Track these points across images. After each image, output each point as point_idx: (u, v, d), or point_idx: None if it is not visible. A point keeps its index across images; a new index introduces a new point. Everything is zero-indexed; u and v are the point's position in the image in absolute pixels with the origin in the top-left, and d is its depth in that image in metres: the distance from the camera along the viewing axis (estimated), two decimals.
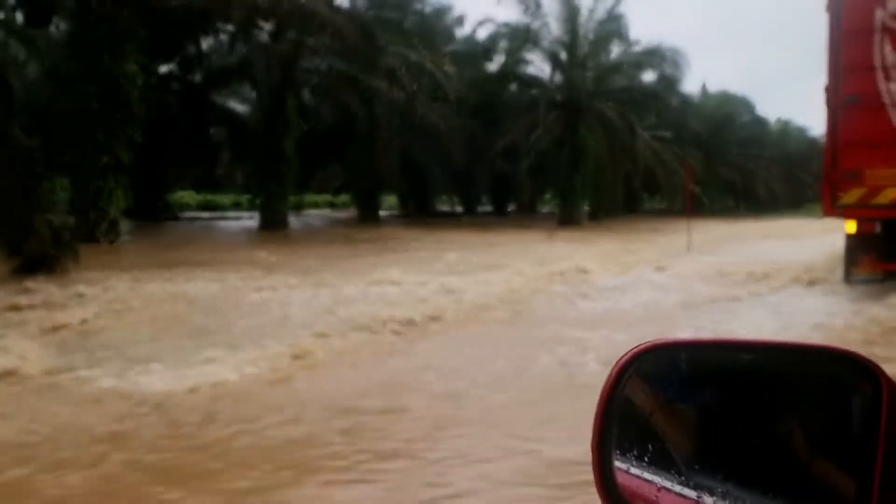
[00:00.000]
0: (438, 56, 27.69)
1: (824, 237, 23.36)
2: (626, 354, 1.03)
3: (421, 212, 40.76)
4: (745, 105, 57.03)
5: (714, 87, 59.97)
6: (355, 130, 28.09)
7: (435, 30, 33.28)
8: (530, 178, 37.12)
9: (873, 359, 0.95)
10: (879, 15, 9.96)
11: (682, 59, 34.91)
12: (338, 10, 20.59)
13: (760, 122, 61.88)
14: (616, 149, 33.03)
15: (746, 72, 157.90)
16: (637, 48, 34.50)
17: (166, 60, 27.98)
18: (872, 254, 10.37)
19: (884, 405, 0.93)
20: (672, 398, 1.07)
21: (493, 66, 35.16)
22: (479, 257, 17.60)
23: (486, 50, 33.55)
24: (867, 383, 0.95)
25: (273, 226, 25.72)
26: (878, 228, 10.30)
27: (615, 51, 34.80)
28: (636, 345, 1.04)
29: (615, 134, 32.61)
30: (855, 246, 10.56)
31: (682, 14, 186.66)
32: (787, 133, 73.82)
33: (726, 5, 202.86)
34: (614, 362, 1.02)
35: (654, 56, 33.43)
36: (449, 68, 28.09)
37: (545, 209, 50.33)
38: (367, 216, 33.88)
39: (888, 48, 9.94)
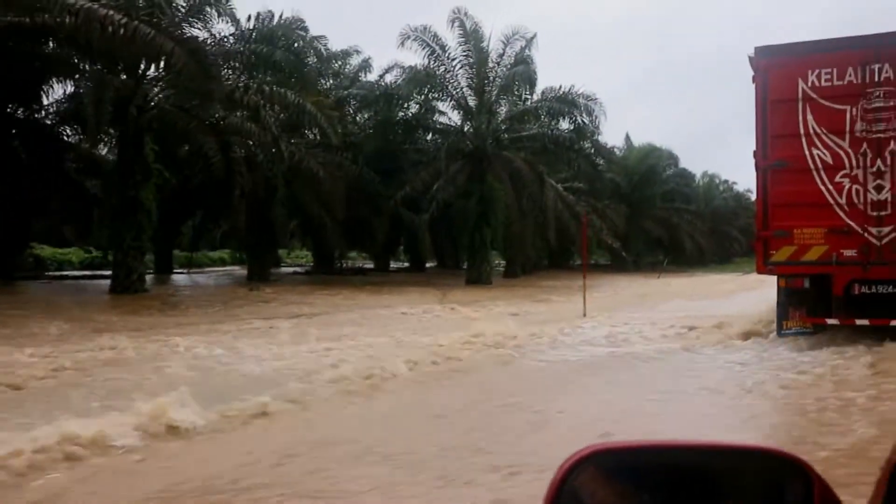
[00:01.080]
0: (317, 96, 24.35)
1: (747, 294, 20.56)
2: (567, 460, 1.05)
3: (324, 268, 37.22)
4: (669, 157, 54.95)
5: (643, 140, 58.28)
6: (213, 178, 24.45)
7: (324, 70, 30.14)
8: (441, 231, 33.80)
9: (803, 457, 1.04)
10: (802, 86, 10.49)
11: (596, 106, 32.20)
12: (170, 34, 17.11)
13: (685, 176, 59.98)
14: (525, 200, 29.92)
15: (676, 127, 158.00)
16: (550, 95, 31.78)
17: (19, 103, 24.23)
18: (802, 308, 10.68)
19: (816, 501, 1.00)
20: (612, 502, 1.09)
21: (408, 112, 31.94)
22: (322, 329, 14.13)
23: (391, 96, 30.36)
24: (799, 481, 1.03)
25: (126, 287, 21.84)
26: (806, 284, 10.57)
27: (527, 98, 31.97)
28: (576, 451, 1.07)
29: (523, 184, 29.60)
30: (786, 301, 10.84)
31: (614, 68, 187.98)
32: (712, 187, 72.35)
33: (656, 65, 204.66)
34: (556, 468, 1.04)
35: (564, 103, 30.71)
36: (332, 111, 24.81)
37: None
38: (256, 273, 30.24)
39: (810, 116, 10.44)
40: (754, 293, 19.72)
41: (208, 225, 32.86)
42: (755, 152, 10.85)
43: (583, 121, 31.27)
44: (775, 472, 1.03)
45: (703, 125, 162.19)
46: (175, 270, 36.46)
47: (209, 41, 21.55)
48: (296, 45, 23.59)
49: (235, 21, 23.67)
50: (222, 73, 20.97)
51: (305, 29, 26.07)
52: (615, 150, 55.02)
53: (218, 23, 23.14)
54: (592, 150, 32.48)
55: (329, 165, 26.07)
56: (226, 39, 22.95)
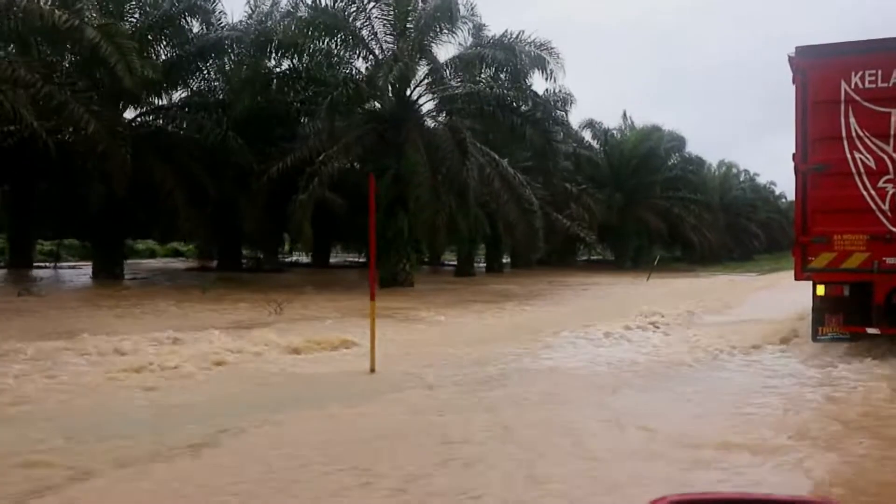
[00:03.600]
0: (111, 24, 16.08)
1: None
2: None
3: (231, 264, 29.12)
4: (672, 139, 45.80)
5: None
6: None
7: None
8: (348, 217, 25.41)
9: None
10: (844, 87, 9.88)
11: (552, 58, 23.56)
12: None
13: (694, 162, 50.65)
14: (441, 176, 21.32)
15: (712, 123, 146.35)
16: (486, 41, 23.24)
17: None
18: (839, 315, 10.00)
19: None
20: None
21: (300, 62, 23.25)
22: None
23: (268, 41, 21.91)
24: None
25: None
26: (846, 292, 9.93)
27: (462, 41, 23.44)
28: (654, 500, 1.06)
29: (441, 155, 21.08)
30: (822, 307, 10.07)
31: (635, 71, 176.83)
32: (729, 178, 62.95)
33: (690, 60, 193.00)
34: None
35: (503, 49, 22.20)
36: (129, 41, 16.56)
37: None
38: (102, 270, 22.25)
39: (853, 119, 9.86)
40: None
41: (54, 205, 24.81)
42: (794, 155, 10.14)
43: (525, 74, 22.70)
44: None
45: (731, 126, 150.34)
46: (39, 264, 28.72)
47: None
48: None
49: None
50: None
51: None
52: (613, 133, 46.51)
53: None
54: (543, 116, 23.68)
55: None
56: None
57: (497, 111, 22.79)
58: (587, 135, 44.70)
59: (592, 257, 52.42)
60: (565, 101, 29.82)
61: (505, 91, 23.09)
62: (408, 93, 22.85)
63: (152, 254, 41.82)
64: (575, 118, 44.11)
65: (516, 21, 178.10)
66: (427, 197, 20.66)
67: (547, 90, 29.28)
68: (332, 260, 40.41)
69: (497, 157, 23.58)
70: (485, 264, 37.59)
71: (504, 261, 44.74)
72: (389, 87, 22.52)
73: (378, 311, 14.38)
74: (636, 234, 44.76)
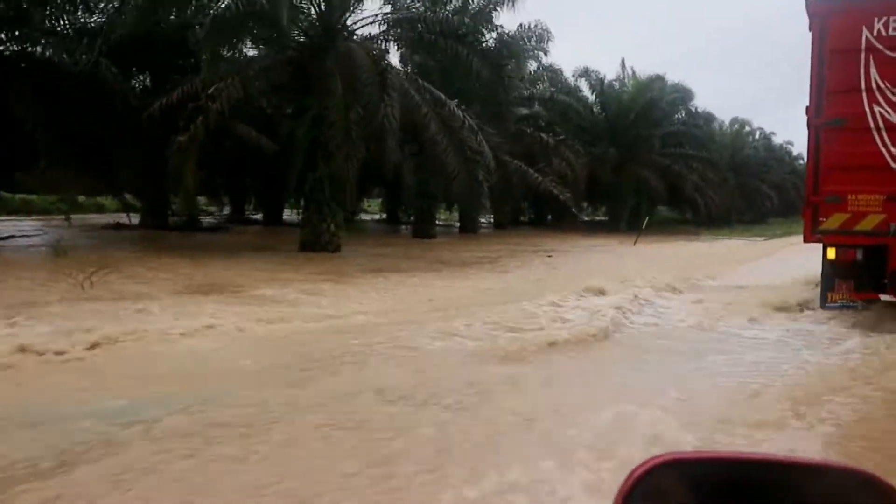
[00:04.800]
0: None
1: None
2: (638, 468, 1.00)
3: (156, 221, 25.07)
4: (676, 91, 40.86)
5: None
6: None
7: None
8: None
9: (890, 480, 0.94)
10: (866, 35, 9.05)
11: None
12: None
13: (701, 117, 45.66)
14: (355, 114, 16.88)
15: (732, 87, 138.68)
16: None
17: None
18: (850, 281, 9.36)
19: None
20: None
21: None
22: None
23: None
24: (877, 499, 0.94)
25: None
26: (859, 256, 9.19)
27: None
28: (648, 458, 1.00)
29: (357, 89, 16.69)
30: (833, 272, 9.43)
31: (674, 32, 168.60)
32: (741, 136, 57.87)
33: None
34: (627, 474, 1.00)
35: None
36: None
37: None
38: None
39: (874, 70, 9.05)
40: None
41: None
42: (808, 108, 9.37)
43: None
44: (855, 493, 0.95)
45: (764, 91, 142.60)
46: None
47: None
48: None
49: None
50: None
51: None
52: (613, 84, 41.62)
53: None
54: (497, 47, 19.18)
55: None
56: None
57: (439, 39, 18.38)
58: (584, 85, 40.10)
59: (592, 218, 48.14)
60: (541, 37, 25.36)
61: (451, 16, 18.65)
62: (333, 16, 18.45)
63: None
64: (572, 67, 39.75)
65: None
66: (339, 141, 16.39)
67: (521, 25, 24.91)
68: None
69: (444, 97, 19.20)
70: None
71: (483, 221, 40.85)
72: (313, 9, 18.22)
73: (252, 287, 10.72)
74: (635, 193, 40.17)
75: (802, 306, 10.04)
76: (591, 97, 40.40)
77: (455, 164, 17.86)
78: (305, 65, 18.45)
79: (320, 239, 18.80)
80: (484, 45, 18.55)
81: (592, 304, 10.17)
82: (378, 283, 12.79)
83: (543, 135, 26.67)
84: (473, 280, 13.98)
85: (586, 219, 49.86)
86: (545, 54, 27.21)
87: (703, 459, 1.08)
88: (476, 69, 18.26)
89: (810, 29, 9.44)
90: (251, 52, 19.59)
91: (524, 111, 25.51)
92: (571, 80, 38.60)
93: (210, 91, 16.21)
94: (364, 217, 45.12)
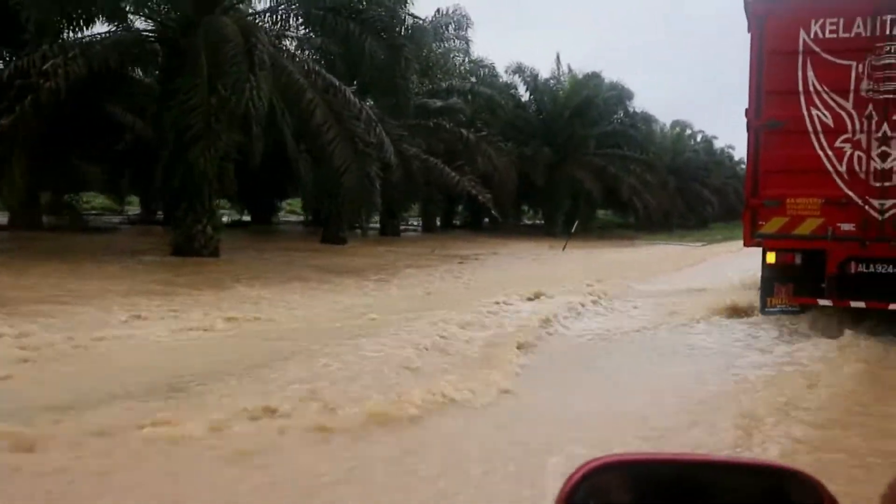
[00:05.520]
0: None
1: None
2: (577, 471, 1.00)
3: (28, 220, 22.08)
4: (612, 88, 38.92)
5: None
6: None
7: None
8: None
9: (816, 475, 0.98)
10: (803, 37, 8.92)
11: None
12: None
13: (639, 118, 43.81)
14: (222, 100, 14.22)
15: (680, 95, 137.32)
16: None
17: None
18: (789, 285, 9.20)
19: None
20: None
21: None
22: None
23: None
24: (811, 499, 0.97)
25: None
26: (798, 260, 9.13)
27: None
28: (585, 462, 1.00)
29: (222, 66, 14.08)
30: (772, 276, 9.28)
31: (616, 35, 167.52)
32: (683, 139, 56.44)
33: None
34: (566, 478, 0.98)
35: None
36: None
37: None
38: None
39: (811, 72, 8.93)
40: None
41: None
42: (747, 110, 9.22)
43: None
44: (785, 489, 0.98)
45: (705, 94, 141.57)
46: None
47: None
48: None
49: None
50: None
51: None
52: (548, 82, 39.50)
53: None
54: (392, 24, 16.78)
55: None
56: None
57: (328, 16, 15.92)
58: (518, 83, 37.95)
59: (534, 221, 46.01)
60: (460, 24, 23.08)
61: None
62: None
63: None
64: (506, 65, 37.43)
65: None
66: (200, 128, 13.81)
67: (438, 10, 22.64)
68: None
69: (337, 82, 16.72)
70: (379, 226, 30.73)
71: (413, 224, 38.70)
72: None
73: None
74: (570, 196, 38.13)
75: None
76: (526, 95, 38.38)
77: (344, 157, 15.37)
78: (179, 41, 15.90)
79: (194, 242, 16.22)
80: (376, 22, 15.96)
81: (466, 339, 7.80)
82: (206, 299, 10.24)
83: (464, 130, 24.27)
84: (345, 295, 11.56)
85: (528, 222, 47.91)
86: (467, 43, 24.88)
87: (641, 461, 1.08)
88: (370, 50, 15.81)
89: (749, 30, 9.21)
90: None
91: (438, 103, 23.13)
92: (504, 76, 36.53)
93: (45, 67, 13.50)
94: (291, 219, 42.49)
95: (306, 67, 16.12)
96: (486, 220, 41.75)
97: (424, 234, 35.26)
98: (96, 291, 10.20)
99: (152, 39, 17.20)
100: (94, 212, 33.38)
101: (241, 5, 16.88)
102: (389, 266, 15.92)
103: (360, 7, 16.17)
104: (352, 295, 11.42)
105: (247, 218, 35.60)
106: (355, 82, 18.12)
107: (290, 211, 45.37)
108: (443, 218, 40.94)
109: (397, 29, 16.85)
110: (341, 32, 15.95)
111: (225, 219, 37.23)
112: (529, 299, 10.65)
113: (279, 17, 16.64)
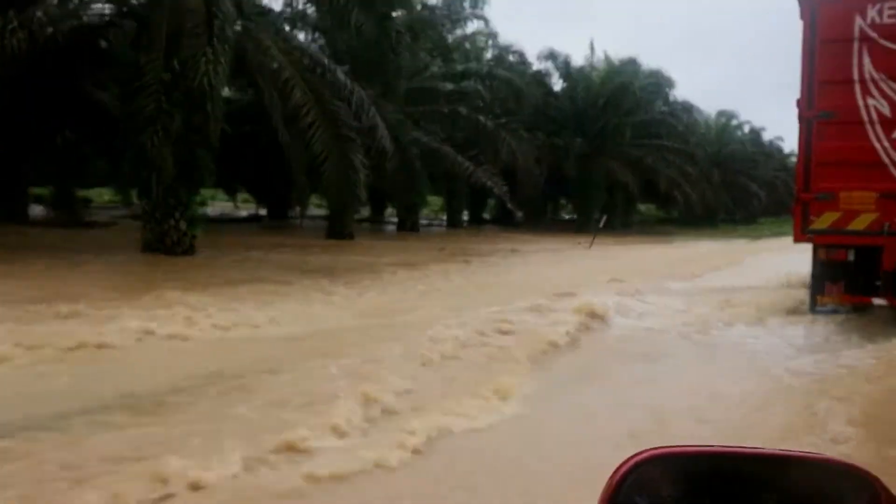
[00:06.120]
0: None
1: None
2: (624, 464, 0.99)
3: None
4: (651, 76, 36.36)
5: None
6: None
7: None
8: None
9: (872, 470, 0.93)
10: (859, 24, 8.54)
11: None
12: None
13: (679, 107, 41.06)
14: (176, 75, 12.28)
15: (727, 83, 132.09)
16: None
17: None
18: (841, 283, 8.79)
19: None
20: None
21: None
22: None
23: None
24: (866, 495, 0.94)
25: None
26: (850, 256, 8.65)
27: None
28: (634, 454, 0.99)
29: (180, 42, 12.17)
30: (822, 274, 8.89)
31: (661, 24, 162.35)
32: (728, 130, 53.41)
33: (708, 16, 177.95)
34: (613, 470, 0.97)
35: None
36: None
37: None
38: None
39: (867, 60, 8.53)
40: None
41: None
42: (799, 101, 8.81)
43: None
44: (839, 485, 0.95)
45: (754, 84, 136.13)
46: None
47: None
48: None
49: None
50: None
51: None
52: (583, 68, 37.08)
53: None
54: None
55: None
56: None
57: None
58: (550, 70, 35.62)
59: (572, 216, 43.58)
60: (475, 1, 20.97)
61: None
62: None
63: None
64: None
65: None
66: (151, 108, 11.93)
67: None
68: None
69: (325, 60, 14.77)
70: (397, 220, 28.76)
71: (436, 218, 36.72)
72: None
73: None
74: (605, 189, 35.71)
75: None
76: (558, 82, 36.05)
77: (324, 143, 13.38)
78: (147, 17, 14.10)
79: (165, 238, 14.44)
80: None
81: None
82: (99, 314, 8.25)
83: (481, 117, 22.13)
84: (292, 302, 9.52)
85: (567, 217, 45.55)
86: (486, 23, 22.70)
87: (690, 453, 1.05)
88: (355, 21, 13.78)
89: (801, 17, 8.88)
90: None
91: (449, 86, 20.97)
92: (536, 63, 34.27)
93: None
94: (318, 212, 40.56)
95: (284, 42, 14.16)
96: (520, 214, 39.81)
97: (449, 229, 33.26)
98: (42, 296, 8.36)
99: (124, 13, 15.43)
100: (107, 206, 32.04)
101: None
102: (376, 266, 13.88)
103: None
104: (299, 301, 9.38)
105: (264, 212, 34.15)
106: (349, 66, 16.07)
107: (318, 205, 43.83)
108: (471, 212, 38.93)
109: None
110: (326, 3, 13.97)
111: (244, 213, 35.97)
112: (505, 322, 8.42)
113: None
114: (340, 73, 14.78)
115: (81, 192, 27.07)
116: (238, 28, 13.46)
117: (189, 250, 14.81)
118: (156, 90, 11.87)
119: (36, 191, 25.20)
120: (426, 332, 6.95)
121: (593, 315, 8.36)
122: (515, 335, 7.22)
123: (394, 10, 14.80)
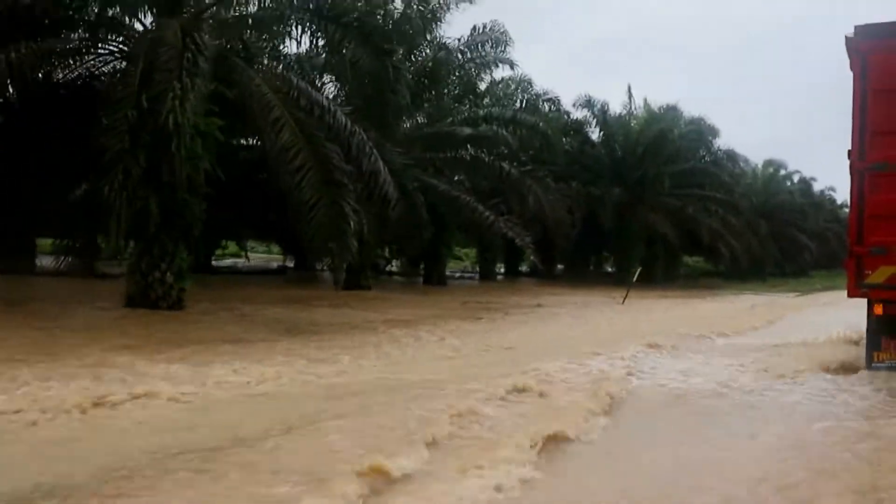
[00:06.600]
0: None
1: None
2: None
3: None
4: (691, 123, 34.70)
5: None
6: None
7: None
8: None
9: None
10: None
11: None
12: None
13: (724, 157, 39.15)
14: (143, 112, 11.11)
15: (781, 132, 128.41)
16: None
17: None
18: None
19: None
20: None
21: None
22: None
23: None
24: None
25: None
26: None
27: None
28: None
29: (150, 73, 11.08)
30: (880, 329, 8.52)
31: (710, 71, 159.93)
32: (776, 180, 51.18)
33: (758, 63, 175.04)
34: None
35: None
36: None
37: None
38: None
39: None
40: None
41: None
42: (850, 151, 8.51)
43: None
44: None
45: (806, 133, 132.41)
46: None
47: None
48: None
49: None
50: None
51: None
52: (621, 115, 35.66)
53: None
54: (379, 26, 13.59)
55: None
56: None
57: (307, 17, 12.85)
58: (588, 119, 34.21)
59: (612, 268, 41.63)
60: (498, 41, 19.78)
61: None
62: None
63: None
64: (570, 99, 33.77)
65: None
66: (117, 148, 10.78)
67: (475, 27, 19.50)
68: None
69: (325, 100, 13.59)
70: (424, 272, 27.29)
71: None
72: None
73: None
74: (644, 240, 33.89)
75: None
76: (595, 131, 34.60)
77: (314, 189, 12.08)
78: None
79: (150, 292, 13.23)
80: (362, 24, 12.68)
81: None
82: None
83: (505, 164, 20.73)
84: (261, 364, 8.07)
85: (610, 269, 43.64)
86: (511, 67, 21.47)
87: None
88: (353, 55, 12.60)
89: (851, 68, 8.72)
90: None
91: (467, 131, 19.63)
92: (573, 111, 32.94)
93: None
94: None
95: (277, 76, 13.04)
96: (560, 266, 38.02)
97: (481, 282, 31.75)
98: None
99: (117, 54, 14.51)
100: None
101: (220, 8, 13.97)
102: (370, 323, 12.40)
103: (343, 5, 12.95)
104: (243, 364, 7.89)
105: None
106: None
107: None
108: (507, 264, 37.41)
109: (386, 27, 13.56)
110: (323, 35, 12.82)
111: (274, 265, 34.96)
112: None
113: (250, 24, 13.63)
114: (341, 115, 13.56)
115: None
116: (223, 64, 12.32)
117: (175, 305, 13.53)
118: (121, 129, 10.73)
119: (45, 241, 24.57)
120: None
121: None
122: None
123: (391, 44, 13.60)
